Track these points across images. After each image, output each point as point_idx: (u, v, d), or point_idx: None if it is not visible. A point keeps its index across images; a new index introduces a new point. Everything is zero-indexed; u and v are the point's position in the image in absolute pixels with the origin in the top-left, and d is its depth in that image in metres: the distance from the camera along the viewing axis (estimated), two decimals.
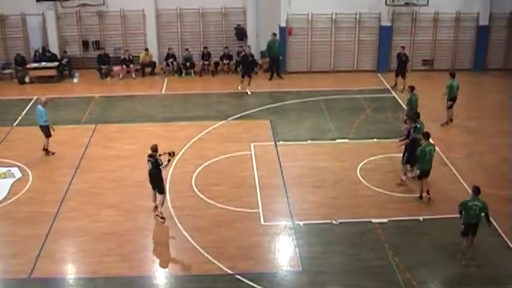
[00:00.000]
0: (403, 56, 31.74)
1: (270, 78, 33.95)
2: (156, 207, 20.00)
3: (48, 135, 24.29)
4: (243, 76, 31.84)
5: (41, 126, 24.24)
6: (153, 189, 20.02)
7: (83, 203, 20.88)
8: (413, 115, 22.34)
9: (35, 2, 33.82)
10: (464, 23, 34.79)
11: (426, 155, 20.22)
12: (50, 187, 21.92)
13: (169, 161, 19.72)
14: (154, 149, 19.48)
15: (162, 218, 19.61)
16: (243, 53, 32.34)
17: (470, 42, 35.13)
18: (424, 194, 20.64)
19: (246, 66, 31.87)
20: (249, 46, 33.74)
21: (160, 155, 19.44)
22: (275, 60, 33.97)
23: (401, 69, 31.78)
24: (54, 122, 25.01)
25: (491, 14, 34.51)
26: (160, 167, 19.47)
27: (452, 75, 27.02)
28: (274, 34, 33.81)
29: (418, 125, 21.55)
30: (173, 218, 19.66)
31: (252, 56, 32.59)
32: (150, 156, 19.57)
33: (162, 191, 19.83)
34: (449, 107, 26.94)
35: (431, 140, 21.10)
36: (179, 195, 21.12)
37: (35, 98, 30.52)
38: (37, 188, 21.91)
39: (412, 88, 25.38)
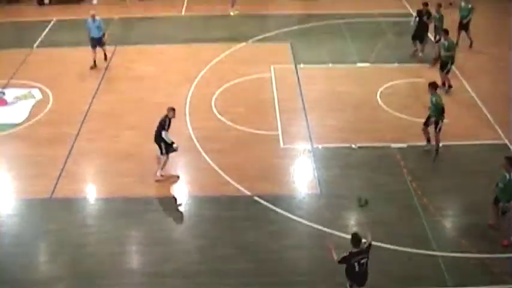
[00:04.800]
0: (425, 13, 25.56)
1: None
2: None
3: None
4: None
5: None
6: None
7: (103, 124, 21.02)
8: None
9: None
10: None
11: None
12: (71, 108, 22.00)
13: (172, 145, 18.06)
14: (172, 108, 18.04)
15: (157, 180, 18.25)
16: None
17: None
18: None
19: None
20: None
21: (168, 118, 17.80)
22: None
23: (419, 32, 25.83)
24: (74, 43, 25.01)
25: None
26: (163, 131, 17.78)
27: None
28: None
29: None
30: (193, 140, 19.73)
31: None
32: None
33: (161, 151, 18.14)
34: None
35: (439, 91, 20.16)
36: (199, 117, 21.15)
37: (54, 19, 30.43)
38: (57, 109, 22.01)
39: (440, 5, 25.50)
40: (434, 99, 18.93)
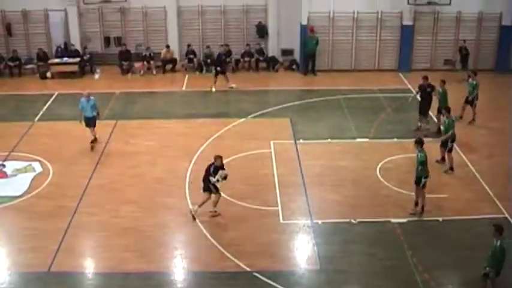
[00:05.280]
0: (427, 87, 25.86)
1: (305, 74, 34.21)
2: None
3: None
4: (223, 74, 31.84)
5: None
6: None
7: (103, 199, 20.98)
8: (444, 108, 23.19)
9: None
10: (486, 23, 34.44)
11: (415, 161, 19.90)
12: (70, 182, 22.02)
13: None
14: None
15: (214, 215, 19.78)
16: (218, 53, 32.50)
17: (492, 43, 34.80)
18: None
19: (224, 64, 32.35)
20: (227, 45, 34.09)
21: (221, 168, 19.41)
22: (311, 56, 34.09)
23: (425, 106, 25.96)
24: (75, 117, 25.26)
25: None
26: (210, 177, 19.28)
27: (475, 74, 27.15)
28: (312, 31, 33.88)
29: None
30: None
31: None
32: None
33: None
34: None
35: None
36: (199, 193, 20.96)
37: (56, 93, 30.80)
38: (57, 182, 22.02)
39: (444, 82, 25.50)
40: (419, 155, 19.31)
